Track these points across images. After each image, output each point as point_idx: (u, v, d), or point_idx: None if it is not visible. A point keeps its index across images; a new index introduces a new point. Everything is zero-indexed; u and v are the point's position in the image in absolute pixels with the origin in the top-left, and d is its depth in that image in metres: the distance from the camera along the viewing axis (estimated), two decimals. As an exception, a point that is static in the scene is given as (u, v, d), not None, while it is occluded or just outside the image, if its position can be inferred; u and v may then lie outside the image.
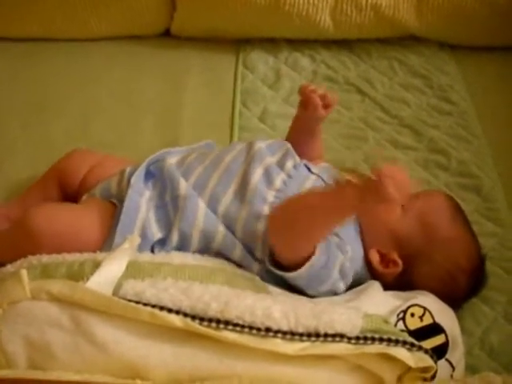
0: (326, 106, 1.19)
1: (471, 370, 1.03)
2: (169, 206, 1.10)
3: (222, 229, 1.07)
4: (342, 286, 1.05)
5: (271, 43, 1.69)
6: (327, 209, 0.96)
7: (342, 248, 1.05)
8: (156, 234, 1.07)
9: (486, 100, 1.59)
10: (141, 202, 1.09)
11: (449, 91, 1.58)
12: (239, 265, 1.06)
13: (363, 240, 1.10)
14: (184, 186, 1.10)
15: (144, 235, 1.06)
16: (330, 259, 1.02)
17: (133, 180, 1.11)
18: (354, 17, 1.61)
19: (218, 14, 1.63)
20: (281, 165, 1.13)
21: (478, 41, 1.70)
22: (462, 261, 1.08)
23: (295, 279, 1.02)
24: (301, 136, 1.25)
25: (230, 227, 1.07)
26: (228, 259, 1.06)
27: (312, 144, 1.26)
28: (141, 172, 1.13)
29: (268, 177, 1.11)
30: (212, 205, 1.09)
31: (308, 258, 0.99)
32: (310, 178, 1.14)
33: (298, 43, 1.69)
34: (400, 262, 1.07)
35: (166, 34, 1.71)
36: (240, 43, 1.69)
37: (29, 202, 1.22)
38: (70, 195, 1.24)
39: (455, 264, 1.07)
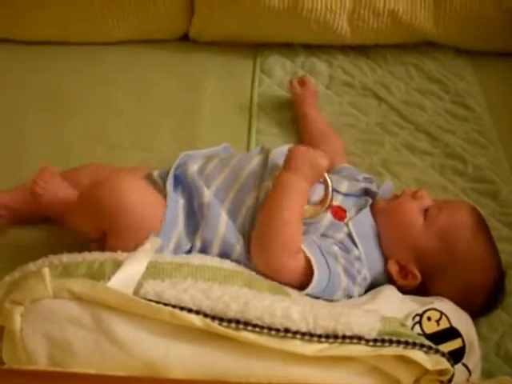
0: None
1: (487, 374, 1.04)
2: (197, 213, 1.11)
3: (241, 239, 1.08)
4: (355, 290, 1.06)
5: (288, 48, 1.69)
6: (283, 201, 1.06)
7: (348, 271, 1.06)
8: (186, 244, 1.09)
9: (502, 105, 1.59)
10: (178, 212, 1.11)
11: (465, 97, 1.59)
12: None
13: (384, 249, 1.11)
14: (207, 193, 1.11)
15: (178, 245, 1.08)
16: (332, 277, 1.04)
17: (168, 188, 1.12)
18: (371, 23, 1.62)
19: (235, 19, 1.64)
20: None
21: (495, 47, 1.70)
22: (479, 281, 1.08)
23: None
24: (311, 140, 1.31)
25: (246, 239, 1.08)
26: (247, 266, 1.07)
27: (326, 146, 1.27)
28: (171, 180, 1.14)
29: None
30: (232, 214, 1.10)
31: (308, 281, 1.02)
32: (317, 187, 1.14)
33: (315, 48, 1.69)
34: (419, 274, 1.08)
35: (184, 38, 1.72)
36: (257, 48, 1.70)
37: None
38: None
39: (472, 283, 1.08)
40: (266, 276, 1.04)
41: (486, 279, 1.09)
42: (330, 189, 1.11)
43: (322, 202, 1.11)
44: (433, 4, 1.62)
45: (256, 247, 1.05)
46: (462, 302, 1.06)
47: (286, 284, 1.03)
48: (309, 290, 1.02)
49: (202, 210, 1.10)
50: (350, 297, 1.06)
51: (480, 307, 1.09)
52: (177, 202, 1.12)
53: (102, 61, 1.67)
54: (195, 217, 1.11)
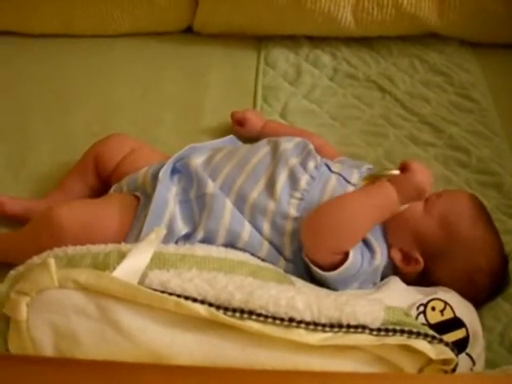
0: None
1: (491, 365, 1.03)
2: (193, 202, 1.11)
3: (248, 227, 1.08)
4: (370, 285, 1.07)
5: (292, 40, 1.69)
6: (371, 208, 1.03)
7: (373, 253, 1.07)
8: (182, 229, 1.08)
9: (507, 97, 1.58)
10: (169, 197, 1.11)
11: (469, 89, 1.58)
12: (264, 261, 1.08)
13: (388, 238, 1.11)
14: (211, 185, 1.11)
15: (171, 229, 1.07)
16: (365, 261, 1.04)
17: (161, 175, 1.12)
18: (375, 14, 1.61)
19: (239, 11, 1.64)
20: (304, 165, 1.14)
21: (499, 38, 1.69)
22: (481, 262, 1.08)
23: (328, 278, 1.04)
24: None
25: (256, 226, 1.09)
26: (253, 255, 1.08)
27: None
28: (168, 167, 1.15)
29: (293, 178, 1.12)
30: (239, 204, 1.10)
31: (342, 260, 1.02)
32: (332, 177, 1.15)
33: (318, 40, 1.69)
34: (421, 260, 1.08)
35: (188, 30, 1.72)
36: (261, 40, 1.70)
37: (69, 189, 1.27)
38: (104, 179, 1.27)
39: (474, 265, 1.08)
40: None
41: (488, 261, 1.09)
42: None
43: None
44: (437, -5, 1.62)
45: (312, 230, 1.04)
46: (466, 288, 1.06)
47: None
48: (338, 271, 1.03)
49: (203, 201, 1.10)
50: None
51: (484, 292, 1.09)
52: (168, 189, 1.12)
53: (106, 54, 1.67)
54: (190, 204, 1.11)
